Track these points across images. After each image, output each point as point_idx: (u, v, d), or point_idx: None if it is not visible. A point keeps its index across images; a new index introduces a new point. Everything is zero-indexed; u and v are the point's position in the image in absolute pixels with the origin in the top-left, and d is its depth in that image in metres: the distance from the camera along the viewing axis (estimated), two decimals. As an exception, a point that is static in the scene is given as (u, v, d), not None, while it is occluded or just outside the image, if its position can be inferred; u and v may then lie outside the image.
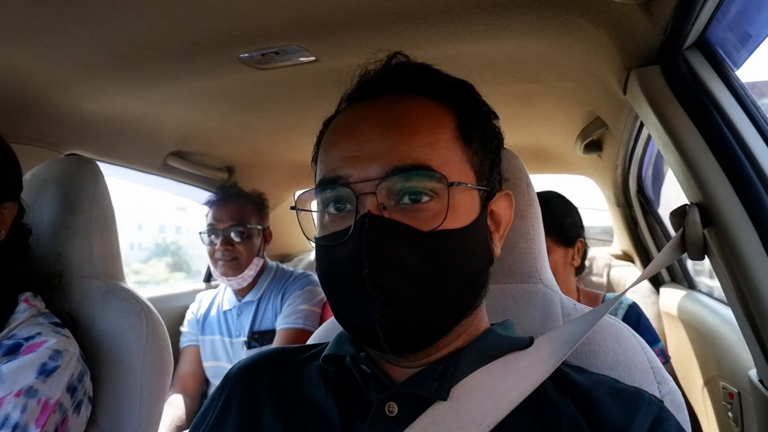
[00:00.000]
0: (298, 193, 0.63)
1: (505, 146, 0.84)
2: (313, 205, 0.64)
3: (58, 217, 1.11)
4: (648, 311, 1.98)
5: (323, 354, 0.66)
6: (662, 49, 0.87)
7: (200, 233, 1.94)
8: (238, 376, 0.71)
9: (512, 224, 0.81)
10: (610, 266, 2.39)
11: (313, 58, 1.17)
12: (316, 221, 0.64)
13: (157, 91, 1.37)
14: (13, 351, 0.84)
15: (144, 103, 1.46)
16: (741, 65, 0.88)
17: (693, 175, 0.85)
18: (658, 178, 1.95)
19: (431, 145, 0.58)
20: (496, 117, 0.69)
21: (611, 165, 1.84)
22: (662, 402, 0.60)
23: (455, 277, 0.58)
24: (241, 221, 1.89)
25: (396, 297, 0.55)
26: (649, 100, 0.91)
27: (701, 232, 0.85)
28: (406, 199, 0.57)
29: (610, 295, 1.56)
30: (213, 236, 1.89)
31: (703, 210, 0.85)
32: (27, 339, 0.86)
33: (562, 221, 1.53)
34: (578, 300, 1.57)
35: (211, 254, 1.90)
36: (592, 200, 2.52)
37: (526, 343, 0.64)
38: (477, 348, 0.63)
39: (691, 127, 0.84)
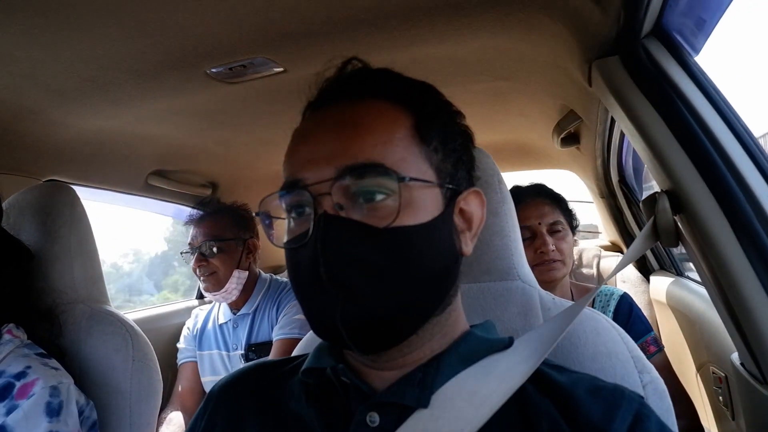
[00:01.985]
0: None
1: (482, 144, 0.84)
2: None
3: (38, 244, 1.10)
4: (639, 300, 1.99)
5: (303, 367, 0.66)
6: (619, 38, 0.88)
7: (181, 253, 1.95)
8: (220, 394, 0.71)
9: (486, 222, 0.82)
10: (599, 257, 2.40)
11: (281, 69, 1.18)
12: (285, 227, 0.65)
13: (131, 113, 1.37)
14: (6, 391, 0.82)
15: (119, 125, 1.45)
16: (700, 50, 0.89)
17: (660, 162, 0.85)
18: (639, 167, 1.96)
19: (384, 144, 0.58)
20: (462, 116, 0.69)
21: (590, 157, 1.85)
22: (643, 398, 0.59)
23: (415, 273, 0.57)
24: (214, 236, 1.88)
25: (355, 294, 0.55)
26: (612, 91, 0.92)
27: (672, 218, 0.86)
28: (361, 199, 0.57)
29: (603, 288, 1.56)
30: (189, 254, 1.90)
31: (672, 197, 0.85)
32: (17, 377, 0.84)
33: (567, 207, 1.56)
34: (572, 293, 1.58)
35: (194, 271, 1.91)
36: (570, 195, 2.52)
37: (506, 343, 0.64)
38: (457, 352, 0.62)
39: (654, 115, 0.85)
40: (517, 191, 1.56)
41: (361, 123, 0.59)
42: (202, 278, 1.88)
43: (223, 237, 1.89)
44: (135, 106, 1.32)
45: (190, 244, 1.90)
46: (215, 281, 1.88)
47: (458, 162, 0.64)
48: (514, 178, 2.67)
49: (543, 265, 1.47)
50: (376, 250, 0.56)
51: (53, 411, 0.82)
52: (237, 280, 1.92)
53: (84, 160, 1.62)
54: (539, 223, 1.49)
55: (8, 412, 0.80)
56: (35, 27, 0.89)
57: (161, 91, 1.23)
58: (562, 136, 1.71)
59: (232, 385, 0.72)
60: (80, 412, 0.88)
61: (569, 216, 1.56)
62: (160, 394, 1.08)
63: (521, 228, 1.46)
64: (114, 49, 1.00)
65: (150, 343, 1.10)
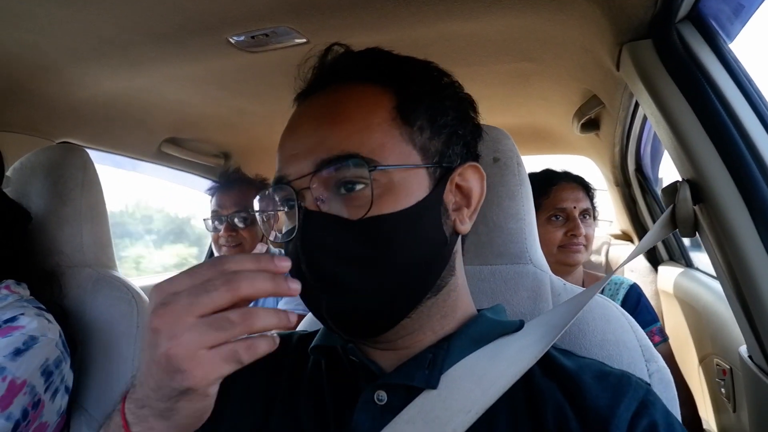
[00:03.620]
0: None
1: (498, 126, 0.83)
2: None
3: (48, 205, 1.11)
4: (646, 290, 1.98)
5: (312, 344, 0.67)
6: (654, 22, 0.86)
7: (204, 220, 1.95)
8: None
9: (502, 205, 0.81)
10: (609, 245, 2.38)
11: (304, 40, 1.16)
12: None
13: (148, 76, 1.35)
14: None
15: (135, 89, 1.44)
16: (734, 37, 0.86)
17: (685, 151, 0.84)
18: (657, 157, 1.93)
19: (361, 132, 0.57)
20: (460, 87, 0.67)
21: (609, 144, 1.82)
22: (649, 385, 0.60)
23: (397, 260, 0.57)
24: (244, 207, 1.88)
25: (336, 286, 0.56)
26: (641, 76, 0.90)
27: (692, 208, 0.85)
28: (342, 189, 0.57)
29: (614, 277, 1.57)
30: (217, 222, 1.89)
31: (694, 187, 0.84)
32: (7, 321, 0.85)
33: (593, 196, 1.60)
34: (584, 281, 1.59)
35: (215, 240, 1.90)
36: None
37: (517, 326, 0.64)
38: (467, 334, 0.62)
39: (683, 103, 0.83)
40: (551, 173, 1.60)
41: (339, 112, 0.59)
42: (225, 248, 1.88)
43: (252, 208, 1.90)
44: (153, 70, 1.30)
45: (215, 212, 1.89)
46: (240, 252, 1.88)
47: (451, 137, 0.63)
48: (528, 162, 2.65)
49: (570, 247, 1.51)
50: (353, 243, 0.56)
51: (16, 352, 0.82)
52: (258, 252, 1.92)
53: (98, 123, 1.61)
54: (574, 207, 1.52)
55: None
56: (57, -17, 0.88)
57: (181, 56, 1.21)
58: (582, 121, 1.68)
59: None
60: (47, 371, 0.86)
61: (594, 205, 1.60)
62: None
63: (555, 209, 1.50)
64: (135, 9, 0.99)
65: None
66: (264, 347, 0.46)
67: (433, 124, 0.61)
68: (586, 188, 1.59)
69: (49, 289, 1.01)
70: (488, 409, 0.56)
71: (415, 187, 0.58)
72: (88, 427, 0.96)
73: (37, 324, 0.86)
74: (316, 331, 0.73)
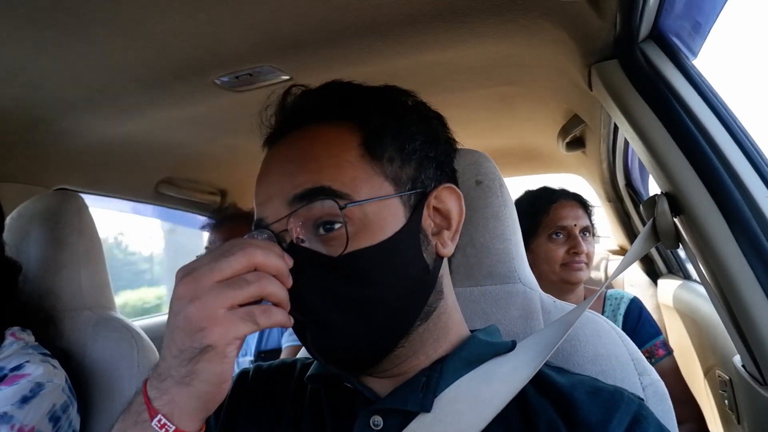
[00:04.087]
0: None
1: (489, 149, 0.85)
2: None
3: (46, 252, 1.12)
4: (647, 304, 1.97)
5: (308, 374, 0.67)
6: (618, 43, 0.89)
7: (198, 256, 1.96)
8: (246, 380, 0.73)
9: (488, 226, 0.82)
10: (607, 260, 2.39)
11: (287, 77, 1.19)
12: None
13: (139, 121, 1.39)
14: None
15: (127, 134, 1.48)
16: (698, 53, 0.89)
17: (659, 165, 0.86)
18: (645, 170, 1.95)
19: (330, 168, 0.58)
20: (426, 106, 0.67)
21: (596, 161, 1.84)
22: (642, 400, 0.60)
23: (380, 292, 0.57)
24: None
25: (323, 322, 0.57)
26: (611, 94, 0.92)
27: (671, 220, 0.86)
28: (321, 230, 0.57)
29: (612, 292, 1.57)
30: None
31: (672, 199, 0.86)
32: (13, 369, 0.86)
33: (591, 213, 1.62)
34: (586, 297, 1.59)
35: None
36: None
37: (509, 347, 0.65)
38: (460, 356, 0.63)
39: (653, 119, 0.85)
40: (549, 191, 1.61)
41: (306, 153, 0.59)
42: None
43: None
44: (143, 115, 1.34)
45: (207, 248, 1.91)
46: None
47: (422, 162, 0.63)
48: (521, 182, 2.67)
49: (572, 265, 1.51)
50: (334, 278, 0.56)
51: (23, 399, 0.83)
52: None
53: (93, 169, 1.65)
54: (575, 225, 1.53)
55: None
56: (45, 39, 0.91)
57: (169, 100, 1.25)
58: (567, 140, 1.71)
59: (253, 377, 0.74)
60: (55, 417, 0.87)
61: (592, 222, 1.61)
62: None
63: (556, 227, 1.51)
64: (121, 59, 1.02)
65: (156, 349, 1.11)
66: (279, 317, 0.51)
67: (402, 152, 0.61)
68: (584, 206, 1.60)
69: (45, 331, 1.02)
70: (483, 429, 0.56)
71: (390, 219, 0.58)
72: None
73: (43, 370, 0.88)
74: (308, 360, 0.74)
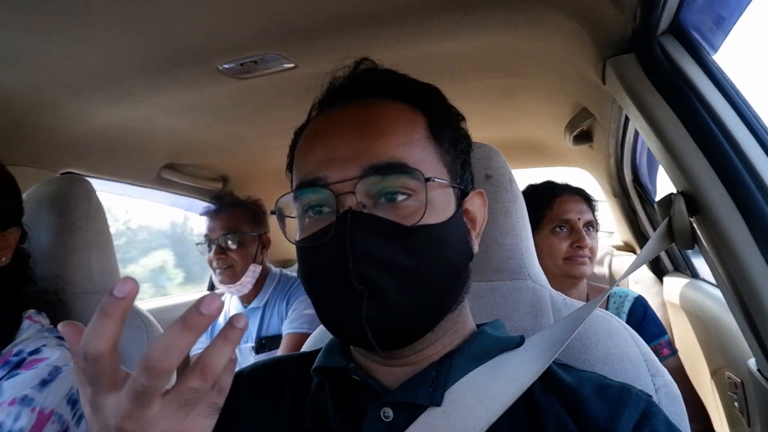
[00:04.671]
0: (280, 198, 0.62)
1: (491, 142, 0.84)
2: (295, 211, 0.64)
3: (56, 236, 1.12)
4: (652, 302, 1.96)
5: (314, 365, 0.66)
6: (635, 36, 0.87)
7: (197, 244, 1.95)
8: (242, 380, 0.72)
9: (497, 221, 0.81)
10: (611, 256, 2.37)
11: (291, 65, 1.18)
12: (296, 226, 0.64)
13: (143, 107, 1.37)
14: (18, 364, 0.86)
15: (132, 119, 1.46)
16: (718, 48, 0.87)
17: (676, 163, 0.84)
18: (654, 166, 1.93)
19: (405, 145, 0.59)
20: (464, 119, 0.69)
21: (603, 155, 1.82)
22: (650, 397, 0.59)
23: (438, 271, 0.58)
24: (232, 230, 1.89)
25: (381, 292, 0.55)
26: (627, 89, 0.90)
27: (688, 220, 0.84)
28: (383, 200, 0.57)
29: (616, 289, 1.55)
30: (208, 246, 1.91)
31: (689, 198, 0.84)
32: (31, 353, 0.87)
33: (595, 208, 1.59)
34: (588, 295, 1.58)
35: (209, 263, 1.92)
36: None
37: (517, 342, 0.64)
38: (469, 351, 0.63)
39: (671, 115, 0.83)
40: (553, 185, 1.59)
41: (382, 123, 0.60)
42: (218, 270, 1.89)
43: (241, 231, 1.91)
44: (147, 101, 1.33)
45: (206, 236, 1.91)
46: (232, 274, 1.89)
47: (464, 164, 0.66)
48: (524, 175, 2.65)
49: (576, 259, 1.49)
50: (402, 248, 0.56)
51: (42, 383, 0.84)
52: (252, 274, 1.94)
53: (99, 153, 1.64)
54: (578, 219, 1.51)
55: (9, 378, 0.84)
56: (51, 25, 0.91)
57: (172, 86, 1.24)
58: (574, 133, 1.69)
59: (250, 377, 0.73)
60: (72, 400, 0.88)
61: (596, 217, 1.60)
62: (174, 382, 1.08)
63: (560, 220, 1.50)
64: (126, 45, 1.01)
65: None
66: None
67: (454, 148, 0.64)
68: (588, 200, 1.58)
69: (63, 316, 1.04)
70: (493, 424, 0.56)
71: (447, 204, 0.61)
72: None
73: (59, 354, 0.89)
74: (315, 352, 0.72)
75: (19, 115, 1.29)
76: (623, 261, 2.31)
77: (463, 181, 0.65)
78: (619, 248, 2.48)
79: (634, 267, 0.81)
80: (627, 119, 1.38)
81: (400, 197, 0.57)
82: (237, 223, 1.92)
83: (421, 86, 0.67)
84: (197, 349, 2.02)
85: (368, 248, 0.55)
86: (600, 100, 1.31)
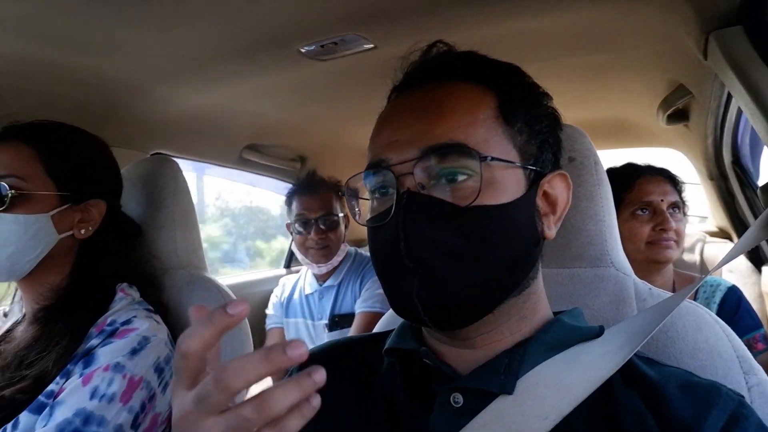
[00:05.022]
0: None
1: (576, 122, 0.81)
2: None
3: (145, 213, 1.19)
4: (748, 293, 1.82)
5: (385, 346, 0.68)
6: (743, 7, 0.79)
7: (289, 223, 2.01)
8: (310, 362, 0.74)
9: (579, 206, 0.78)
10: (704, 243, 2.22)
11: (371, 46, 1.18)
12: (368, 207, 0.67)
13: (227, 90, 1.43)
14: (112, 334, 0.92)
15: (216, 102, 1.53)
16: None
17: (785, 145, 0.77)
18: (757, 148, 1.77)
19: (467, 126, 0.59)
20: (549, 98, 0.67)
21: (700, 135, 1.70)
22: (742, 397, 0.55)
23: (494, 253, 0.57)
24: (329, 210, 1.94)
25: (433, 271, 0.56)
26: (732, 65, 0.83)
27: (796, 207, 0.77)
28: (443, 180, 0.58)
29: (707, 278, 1.45)
30: (304, 225, 1.94)
31: (798, 183, 0.77)
32: (124, 324, 0.93)
33: (682, 189, 1.51)
34: (674, 283, 1.49)
35: (302, 243, 1.96)
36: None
37: (596, 332, 0.62)
38: (544, 340, 0.61)
39: (781, 93, 0.76)
40: (633, 166, 1.51)
41: (444, 105, 0.60)
42: (313, 250, 1.94)
43: (336, 212, 1.96)
44: (231, 84, 1.38)
45: (301, 215, 1.94)
46: (328, 253, 1.95)
47: (544, 144, 0.64)
48: (608, 157, 2.52)
49: (660, 243, 1.41)
50: (456, 228, 0.57)
51: (133, 351, 0.90)
52: (342, 252, 2.00)
53: (186, 135, 1.72)
54: (661, 200, 1.43)
55: (104, 345, 0.89)
56: (146, 12, 0.95)
57: (256, 68, 1.27)
58: (669, 112, 1.58)
59: (322, 356, 0.75)
60: (159, 368, 0.94)
61: (683, 199, 1.49)
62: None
63: (641, 203, 1.42)
64: (214, 30, 1.05)
65: None
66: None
67: (530, 128, 0.63)
68: (672, 181, 1.48)
69: (152, 290, 1.09)
70: (565, 416, 0.54)
71: (513, 185, 0.60)
72: None
73: (148, 325, 0.94)
74: (386, 333, 0.74)
75: (115, 99, 1.37)
76: (717, 248, 2.16)
77: (540, 161, 0.63)
78: (712, 234, 2.31)
79: (731, 255, 0.75)
80: (729, 97, 1.27)
81: (460, 177, 0.57)
82: (331, 203, 1.96)
83: (494, 65, 0.65)
84: (273, 324, 2.12)
85: (420, 228, 0.56)
86: (699, 76, 1.21)
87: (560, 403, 0.54)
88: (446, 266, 0.56)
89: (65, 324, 0.92)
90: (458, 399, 0.59)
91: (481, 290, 0.58)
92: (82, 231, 1.00)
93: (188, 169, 2.15)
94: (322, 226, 1.93)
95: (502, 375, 0.58)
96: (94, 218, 1.02)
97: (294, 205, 1.98)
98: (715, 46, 0.87)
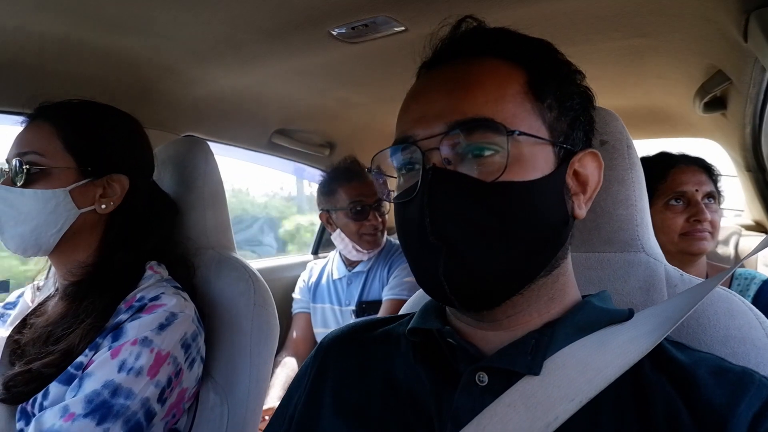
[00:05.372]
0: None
1: (610, 109, 0.80)
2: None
3: (176, 193, 1.22)
4: (785, 288, 1.77)
5: (408, 326, 0.68)
6: (788, -16, 0.76)
7: (326, 211, 2.01)
8: (331, 346, 0.76)
9: (611, 190, 0.77)
10: (739, 236, 2.16)
11: (402, 28, 1.17)
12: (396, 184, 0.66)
13: (258, 72, 1.44)
14: (140, 309, 0.94)
15: (247, 84, 1.54)
16: None
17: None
18: (798, 137, 1.71)
19: (496, 101, 0.58)
20: (582, 76, 0.66)
21: (738, 124, 1.64)
22: None
23: (520, 230, 0.57)
24: (376, 195, 1.94)
25: (458, 247, 0.56)
26: (774, 46, 0.80)
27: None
28: (470, 155, 0.57)
29: (741, 271, 1.42)
30: (360, 212, 1.94)
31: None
32: (152, 300, 0.95)
33: (718, 180, 1.47)
34: (707, 275, 1.46)
35: (356, 230, 1.95)
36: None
37: (626, 316, 0.62)
38: (573, 321, 0.61)
39: (826, 74, 0.73)
40: (667, 155, 1.49)
41: (472, 80, 0.59)
42: (368, 236, 1.95)
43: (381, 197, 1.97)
44: (263, 66, 1.39)
45: (358, 201, 1.94)
46: (380, 239, 1.98)
47: (575, 122, 0.63)
48: (642, 146, 2.46)
49: (694, 234, 1.38)
50: (481, 204, 0.56)
51: (160, 327, 0.92)
52: (384, 239, 2.02)
53: (216, 118, 1.74)
54: (696, 191, 1.40)
55: (132, 320, 0.91)
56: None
57: (287, 50, 1.28)
58: (705, 100, 1.53)
59: (343, 338, 0.76)
60: (186, 344, 0.95)
61: (718, 189, 1.46)
62: (277, 337, 1.15)
63: (675, 193, 1.40)
64: (246, 9, 1.05)
65: (270, 291, 1.17)
66: None
67: (561, 105, 0.62)
68: (708, 170, 1.45)
69: (184, 271, 1.11)
70: (593, 399, 0.54)
71: (542, 162, 0.59)
72: (214, 392, 1.06)
73: (176, 301, 0.96)
74: (408, 316, 0.74)
75: (147, 80, 1.39)
76: (753, 242, 2.10)
77: (570, 139, 0.62)
78: (749, 228, 2.25)
79: (763, 245, 0.73)
80: (769, 83, 1.23)
81: (487, 152, 0.57)
82: (375, 193, 1.96)
83: (524, 41, 0.65)
84: (300, 308, 2.14)
85: (445, 204, 0.56)
86: (739, 60, 1.17)
87: (588, 386, 0.54)
88: (472, 243, 0.56)
89: (93, 301, 0.94)
90: (483, 378, 0.59)
91: (509, 269, 0.57)
92: (103, 206, 1.01)
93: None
94: (378, 211, 1.93)
95: (529, 355, 0.58)
96: (117, 193, 1.02)
97: (341, 193, 1.97)
98: (756, 26, 0.84)
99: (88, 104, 1.05)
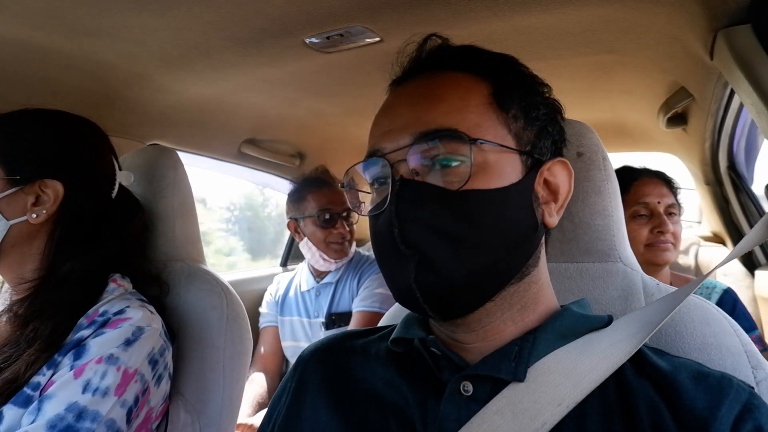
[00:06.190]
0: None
1: (581, 121, 0.81)
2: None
3: (143, 203, 1.17)
4: (742, 296, 1.84)
5: (391, 337, 0.67)
6: (754, 5, 0.80)
7: (294, 219, 1.99)
8: (310, 359, 0.74)
9: (587, 200, 0.78)
10: (698, 246, 2.24)
11: (377, 39, 1.17)
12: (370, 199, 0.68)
13: (229, 80, 1.41)
14: (104, 324, 0.88)
15: (218, 93, 1.51)
16: None
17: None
18: (752, 152, 1.80)
19: (459, 111, 0.60)
20: (549, 88, 0.68)
21: (698, 139, 1.71)
22: (752, 388, 0.56)
23: (488, 237, 0.58)
24: (347, 204, 1.92)
25: (429, 256, 0.57)
26: (740, 64, 0.84)
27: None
28: (437, 165, 0.59)
29: (708, 281, 1.47)
30: (329, 220, 1.92)
31: (803, 183, 0.77)
32: (116, 314, 0.90)
33: (677, 193, 1.53)
34: (671, 284, 1.50)
35: (323, 238, 1.93)
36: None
37: (605, 322, 0.63)
38: (554, 328, 0.62)
39: (790, 91, 0.77)
40: (630, 169, 1.54)
41: (435, 93, 0.62)
42: (336, 245, 1.93)
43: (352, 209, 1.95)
44: (234, 74, 1.36)
45: (327, 209, 1.92)
46: (348, 248, 1.96)
47: (542, 131, 0.64)
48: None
49: (658, 245, 1.44)
50: (448, 212, 0.57)
51: (127, 342, 0.86)
52: (353, 249, 2.00)
53: (184, 126, 1.70)
54: (658, 203, 1.45)
55: (96, 336, 0.86)
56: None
57: (260, 59, 1.26)
58: (668, 115, 1.59)
59: (321, 351, 0.75)
60: (153, 360, 0.91)
61: (678, 201, 1.52)
62: (251, 352, 1.12)
63: (638, 204, 1.44)
64: (219, 15, 1.03)
65: (242, 304, 1.14)
66: None
67: (526, 115, 0.63)
68: (669, 183, 1.51)
69: (156, 289, 1.06)
70: (579, 406, 0.55)
71: (508, 170, 0.60)
72: (185, 410, 1.02)
73: (142, 315, 0.91)
74: (389, 327, 0.74)
75: (113, 87, 1.34)
76: (711, 252, 2.18)
77: (538, 148, 0.63)
78: (706, 239, 2.34)
79: (733, 255, 0.75)
80: (729, 99, 1.29)
81: (455, 163, 0.58)
82: (343, 200, 1.94)
83: (488, 55, 0.67)
84: (267, 322, 2.10)
85: (413, 213, 0.57)
86: (702, 77, 1.22)
87: (573, 390, 0.55)
88: (441, 251, 0.57)
89: (36, 327, 0.87)
90: (468, 387, 0.59)
91: (478, 275, 0.58)
92: (35, 215, 0.93)
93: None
94: (347, 221, 1.92)
95: (512, 362, 0.59)
96: (50, 200, 0.94)
97: (310, 200, 1.95)
98: (723, 44, 0.87)
99: (23, 112, 0.98)
